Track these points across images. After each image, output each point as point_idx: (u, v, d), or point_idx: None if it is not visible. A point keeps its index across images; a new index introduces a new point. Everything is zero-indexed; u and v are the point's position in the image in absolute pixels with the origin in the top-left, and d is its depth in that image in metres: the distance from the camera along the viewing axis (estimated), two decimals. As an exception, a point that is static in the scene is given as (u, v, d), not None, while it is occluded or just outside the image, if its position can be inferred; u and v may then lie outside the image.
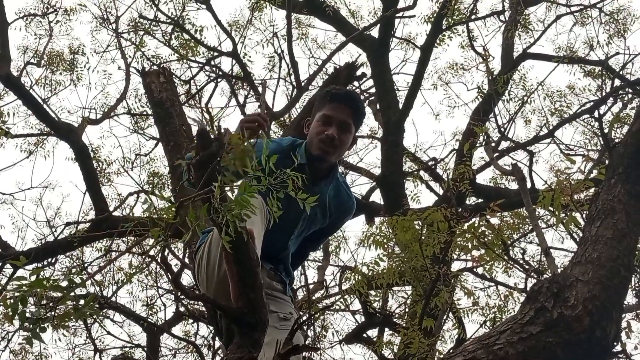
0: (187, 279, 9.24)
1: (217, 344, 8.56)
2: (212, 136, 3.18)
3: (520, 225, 8.59)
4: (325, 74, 11.30)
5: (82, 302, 3.03)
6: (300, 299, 8.67)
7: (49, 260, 10.21)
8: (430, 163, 12.18)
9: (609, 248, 3.59)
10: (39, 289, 2.93)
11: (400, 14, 11.04)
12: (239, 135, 3.09)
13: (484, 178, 14.20)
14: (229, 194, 3.25)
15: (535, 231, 4.64)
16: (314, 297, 9.39)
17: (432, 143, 18.10)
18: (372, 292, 8.43)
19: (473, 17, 11.78)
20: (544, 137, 11.87)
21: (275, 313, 4.16)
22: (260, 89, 10.90)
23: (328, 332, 10.70)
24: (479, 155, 12.08)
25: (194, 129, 7.67)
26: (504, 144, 11.66)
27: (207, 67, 12.26)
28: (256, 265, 3.35)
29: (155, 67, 10.30)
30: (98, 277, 10.71)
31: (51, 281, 2.93)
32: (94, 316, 9.30)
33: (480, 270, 8.24)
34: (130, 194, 11.76)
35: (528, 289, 4.04)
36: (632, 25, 12.17)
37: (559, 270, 3.77)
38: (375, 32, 10.87)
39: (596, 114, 11.11)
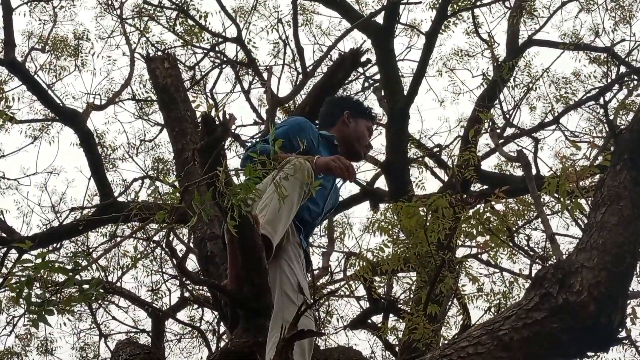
0: (192, 264, 9.24)
1: (222, 329, 8.58)
2: (217, 122, 3.18)
3: (526, 212, 8.58)
4: (330, 60, 11.27)
5: (86, 286, 3.04)
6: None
7: (54, 245, 10.25)
8: (435, 149, 12.16)
9: (614, 234, 3.58)
10: (44, 273, 2.94)
11: (405, 1, 11.01)
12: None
13: (489, 164, 14.14)
14: (234, 178, 3.25)
15: (540, 217, 4.64)
16: (318, 283, 9.39)
17: (437, 130, 17.94)
18: (377, 278, 8.43)
19: (478, 3, 11.74)
20: (549, 124, 11.85)
21: None
22: (265, 75, 10.89)
23: (333, 318, 10.72)
24: (484, 141, 12.05)
25: (199, 115, 7.67)
26: (509, 131, 11.64)
27: (211, 53, 12.25)
28: (261, 250, 3.36)
29: (159, 53, 10.29)
30: (103, 262, 10.76)
31: (57, 264, 2.94)
32: (99, 301, 9.34)
33: (485, 256, 8.24)
34: (135, 180, 11.79)
35: (533, 275, 4.03)
36: (638, 12, 12.13)
37: (564, 257, 3.77)
38: (380, 19, 10.84)
39: (601, 101, 11.10)
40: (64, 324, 10.50)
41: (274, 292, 3.86)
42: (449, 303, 7.71)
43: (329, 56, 11.24)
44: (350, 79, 11.42)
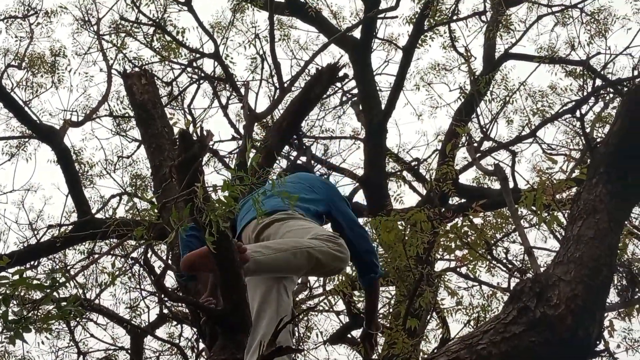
0: (170, 280, 9.21)
1: (201, 345, 8.54)
2: (194, 138, 3.18)
3: (503, 225, 8.61)
4: (308, 75, 11.29)
5: (64, 303, 3.02)
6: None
7: (32, 262, 10.18)
8: (413, 163, 12.20)
9: (590, 247, 3.60)
10: (21, 290, 2.92)
11: (382, 15, 11.04)
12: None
13: (466, 178, 14.26)
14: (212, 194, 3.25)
15: (518, 231, 4.66)
16: (297, 298, 9.38)
17: (415, 143, 18.04)
18: (356, 293, 8.41)
19: (455, 17, 11.80)
20: (526, 137, 11.92)
21: None
22: (242, 90, 10.89)
23: (312, 333, 10.69)
24: (462, 155, 12.12)
25: (176, 131, 7.66)
26: (487, 144, 11.70)
27: (189, 69, 12.25)
28: (239, 267, 3.35)
29: (137, 69, 10.28)
30: (81, 279, 10.68)
31: (34, 281, 2.92)
32: (77, 318, 9.28)
33: (463, 270, 8.26)
34: (113, 196, 11.73)
35: (511, 288, 4.04)
36: (613, 25, 12.22)
37: (542, 270, 3.78)
38: (357, 33, 10.88)
39: (578, 114, 11.17)
40: (42, 342, 10.41)
41: (268, 306, 3.86)
42: (428, 317, 7.71)
43: (307, 71, 11.25)
44: (328, 93, 11.43)
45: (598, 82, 11.32)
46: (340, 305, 9.51)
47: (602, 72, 11.49)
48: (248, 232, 4.38)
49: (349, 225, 4.71)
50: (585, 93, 11.42)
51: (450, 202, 10.58)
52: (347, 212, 4.81)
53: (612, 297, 5.53)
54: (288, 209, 4.27)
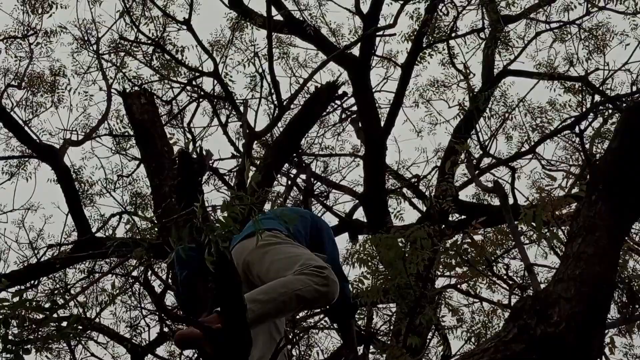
0: (170, 299, 9.20)
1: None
2: (194, 158, 3.19)
3: (504, 241, 8.60)
4: (307, 92, 11.31)
5: (64, 323, 3.02)
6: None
7: (32, 282, 10.16)
8: (412, 180, 12.20)
9: (590, 265, 3.60)
10: (21, 311, 2.92)
11: (380, 33, 11.07)
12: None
13: (466, 194, 14.28)
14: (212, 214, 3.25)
15: (518, 248, 4.65)
16: (298, 316, 9.36)
17: (415, 160, 18.02)
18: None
19: (453, 34, 11.82)
20: (526, 153, 11.94)
21: None
22: (242, 108, 10.90)
23: (313, 351, 10.67)
24: (462, 171, 12.12)
25: (176, 150, 7.66)
26: (486, 161, 11.71)
27: (188, 88, 12.27)
28: (238, 287, 3.35)
29: (136, 88, 10.29)
30: (81, 298, 10.66)
31: (34, 303, 2.92)
32: (77, 337, 9.26)
33: (464, 286, 8.26)
34: (113, 215, 11.71)
35: (512, 304, 4.04)
36: (611, 41, 12.26)
37: (542, 287, 3.78)
38: (356, 51, 10.90)
39: (577, 130, 11.17)
40: (42, 361, 10.39)
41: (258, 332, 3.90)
42: (429, 334, 7.70)
43: (306, 88, 11.28)
44: (327, 111, 11.44)
45: (597, 98, 11.34)
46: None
47: (600, 88, 11.50)
48: (242, 246, 4.40)
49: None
50: (584, 109, 11.44)
51: (450, 218, 10.58)
52: (334, 254, 4.84)
53: (613, 313, 5.53)
54: (276, 228, 4.31)
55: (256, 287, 4.13)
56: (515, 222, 4.82)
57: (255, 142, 10.71)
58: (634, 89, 11.23)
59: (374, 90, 11.41)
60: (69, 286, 10.59)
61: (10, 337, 2.90)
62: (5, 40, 12.41)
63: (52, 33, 12.77)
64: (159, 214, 6.59)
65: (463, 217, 11.00)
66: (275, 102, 10.66)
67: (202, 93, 12.29)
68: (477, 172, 11.08)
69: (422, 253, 6.52)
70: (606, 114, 11.22)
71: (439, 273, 7.86)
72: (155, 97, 9.10)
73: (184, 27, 11.48)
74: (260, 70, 11.79)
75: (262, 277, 4.17)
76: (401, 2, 11.05)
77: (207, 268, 3.13)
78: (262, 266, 4.18)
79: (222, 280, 3.29)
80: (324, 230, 4.96)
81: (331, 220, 11.72)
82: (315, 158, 13.25)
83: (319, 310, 9.67)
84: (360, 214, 11.80)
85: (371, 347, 9.32)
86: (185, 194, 3.21)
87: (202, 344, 3.58)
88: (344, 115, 12.80)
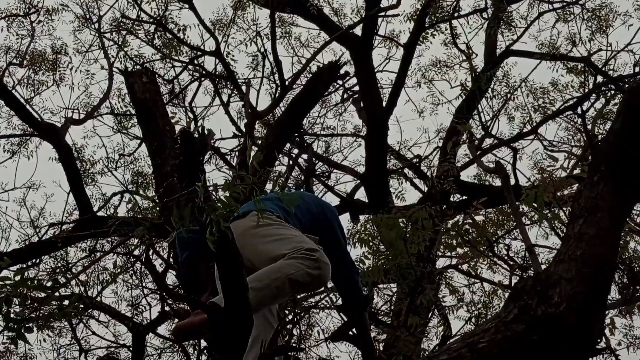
0: (171, 278, 9.21)
1: (203, 344, 8.54)
2: (195, 137, 3.18)
3: (505, 222, 8.61)
4: (309, 72, 11.29)
5: (66, 302, 3.02)
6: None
7: (33, 261, 10.17)
8: (414, 161, 12.19)
9: (592, 246, 3.60)
10: (23, 290, 2.92)
11: (383, 13, 11.03)
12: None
13: (468, 175, 14.25)
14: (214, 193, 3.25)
15: (519, 229, 4.66)
16: (299, 296, 9.38)
17: (416, 140, 17.99)
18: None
19: (456, 14, 11.79)
20: (528, 134, 11.92)
21: None
22: (244, 88, 10.89)
23: (314, 331, 10.69)
24: (463, 152, 12.11)
25: (178, 130, 7.65)
26: (488, 141, 11.70)
27: (190, 67, 12.25)
28: (240, 266, 3.35)
29: (138, 67, 10.27)
30: (82, 277, 10.67)
31: (35, 281, 2.92)
32: (79, 316, 9.27)
33: (465, 267, 8.26)
34: (115, 194, 11.69)
35: (512, 285, 4.05)
36: (614, 22, 12.22)
37: (543, 268, 3.78)
38: (358, 31, 10.86)
39: (579, 111, 11.16)
40: (44, 340, 10.41)
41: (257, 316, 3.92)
42: (430, 314, 7.71)
43: (308, 68, 11.25)
44: (329, 91, 11.42)
45: (599, 78, 11.32)
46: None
47: (603, 69, 11.48)
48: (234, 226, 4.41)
49: (340, 256, 4.73)
50: (586, 90, 11.42)
51: (451, 199, 10.58)
52: (340, 241, 4.83)
53: (614, 294, 5.54)
54: (269, 210, 4.32)
55: (248, 269, 4.14)
56: (517, 203, 4.82)
57: (257, 121, 10.68)
58: (637, 69, 11.20)
59: (376, 70, 11.40)
60: (70, 265, 10.62)
61: (12, 316, 2.90)
62: (7, 18, 12.37)
63: (54, 11, 12.74)
64: (161, 193, 6.59)
65: (464, 197, 11.00)
66: (277, 82, 10.64)
67: (203, 72, 12.27)
68: (478, 152, 11.08)
69: (423, 233, 6.53)
70: (609, 94, 11.21)
71: (440, 253, 7.87)
72: (157, 76, 9.08)
73: (186, 5, 11.44)
74: (262, 50, 11.77)
75: (253, 259, 4.18)
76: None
77: (208, 248, 3.14)
78: (252, 248, 4.19)
79: (224, 260, 3.29)
80: (335, 220, 4.95)
81: (332, 200, 11.73)
82: (317, 138, 13.25)
83: (319, 291, 9.71)
84: (361, 194, 11.81)
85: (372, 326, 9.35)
86: (187, 173, 3.20)
87: (201, 332, 3.59)
88: (345, 95, 12.80)
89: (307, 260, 4.00)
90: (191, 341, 10.21)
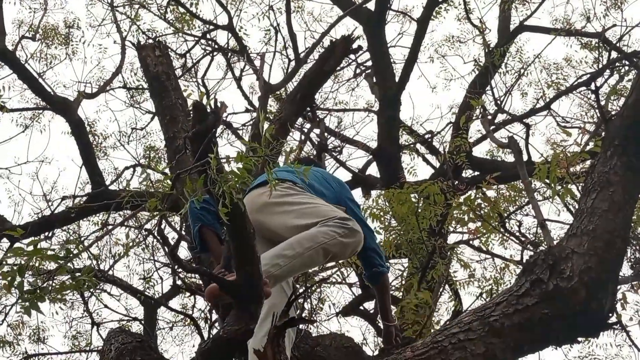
0: (184, 251, 9.24)
1: (214, 316, 8.58)
2: (208, 109, 3.18)
3: (517, 198, 8.59)
4: (322, 47, 11.25)
5: (78, 274, 3.03)
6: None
7: (46, 234, 10.21)
8: (426, 136, 12.16)
9: (604, 220, 3.59)
10: (36, 261, 2.93)
11: (396, -13, 10.99)
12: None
13: (480, 151, 14.21)
14: (226, 165, 3.25)
15: (531, 204, 4.65)
16: (310, 271, 9.40)
17: (429, 116, 18.04)
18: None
19: (470, -11, 11.74)
20: (541, 110, 11.87)
21: None
22: (256, 62, 10.87)
23: (325, 305, 10.72)
24: (476, 128, 12.07)
25: (190, 103, 7.65)
26: (501, 117, 11.66)
27: (202, 41, 12.23)
28: (252, 238, 3.35)
29: (150, 41, 10.26)
30: (95, 250, 10.72)
31: (48, 251, 2.94)
32: (91, 289, 9.33)
33: (476, 242, 8.26)
34: (127, 168, 11.73)
35: (524, 261, 4.04)
36: (629, -3, 12.13)
37: (555, 243, 3.78)
38: (371, 5, 10.83)
39: (593, 87, 11.11)
40: (56, 312, 10.47)
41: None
42: (441, 289, 7.72)
43: (321, 43, 11.22)
44: (341, 65, 11.39)
45: (613, 54, 11.25)
46: (353, 277, 9.54)
47: (617, 45, 11.41)
48: (252, 196, 4.39)
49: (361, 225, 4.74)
50: (600, 65, 11.36)
51: (463, 174, 10.56)
52: (356, 212, 4.82)
53: (626, 269, 5.53)
54: (289, 179, 4.32)
55: (269, 239, 4.14)
56: (530, 178, 4.81)
57: (270, 96, 10.67)
58: (651, 46, 11.14)
59: (388, 45, 11.36)
60: (82, 238, 10.64)
61: (25, 286, 2.92)
62: (19, -9, 12.37)
63: (67, -16, 12.73)
64: (173, 166, 6.60)
65: (476, 173, 10.99)
66: (290, 56, 10.62)
67: (216, 46, 12.25)
68: (491, 128, 11.04)
69: (435, 208, 6.53)
70: (622, 70, 11.15)
71: (452, 229, 7.86)
72: (169, 50, 9.06)
73: (199, -21, 11.41)
74: (275, 24, 11.74)
75: (279, 228, 4.17)
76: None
77: (220, 220, 3.14)
78: (277, 217, 4.18)
79: (236, 231, 3.29)
80: (351, 195, 4.98)
81: (344, 175, 11.74)
82: (330, 112, 13.23)
83: (330, 265, 9.74)
84: (373, 169, 11.80)
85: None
86: (199, 145, 3.20)
87: (226, 297, 3.61)
88: (358, 70, 12.76)
89: (340, 229, 4.01)
90: (202, 314, 10.26)
